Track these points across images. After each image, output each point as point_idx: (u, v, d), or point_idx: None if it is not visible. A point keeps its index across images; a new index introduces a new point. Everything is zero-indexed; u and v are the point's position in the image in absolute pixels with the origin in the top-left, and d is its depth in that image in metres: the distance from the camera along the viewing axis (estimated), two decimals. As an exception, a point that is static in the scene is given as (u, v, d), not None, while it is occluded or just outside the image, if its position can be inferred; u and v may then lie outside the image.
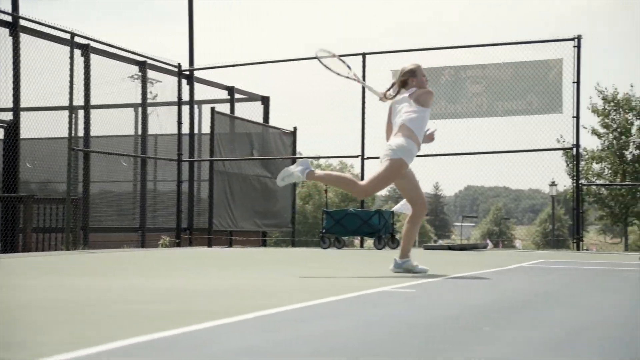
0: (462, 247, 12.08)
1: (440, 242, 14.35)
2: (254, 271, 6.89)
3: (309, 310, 3.67)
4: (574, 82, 12.35)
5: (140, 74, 15.68)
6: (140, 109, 15.93)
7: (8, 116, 12.71)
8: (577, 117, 12.36)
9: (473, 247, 12.27)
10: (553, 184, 33.31)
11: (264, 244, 17.34)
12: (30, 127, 13.53)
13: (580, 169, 25.00)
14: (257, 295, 4.45)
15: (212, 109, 15.45)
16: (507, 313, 3.74)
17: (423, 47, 13.54)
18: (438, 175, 19.67)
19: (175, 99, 15.85)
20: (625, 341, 2.84)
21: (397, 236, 12.24)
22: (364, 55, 13.78)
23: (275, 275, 6.27)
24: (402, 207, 12.85)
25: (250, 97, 18.39)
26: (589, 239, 72.01)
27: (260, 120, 17.94)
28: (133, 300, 4.14)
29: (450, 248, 11.99)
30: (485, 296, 4.58)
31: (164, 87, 16.56)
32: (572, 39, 12.36)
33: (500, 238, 68.66)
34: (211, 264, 8.38)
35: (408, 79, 6.35)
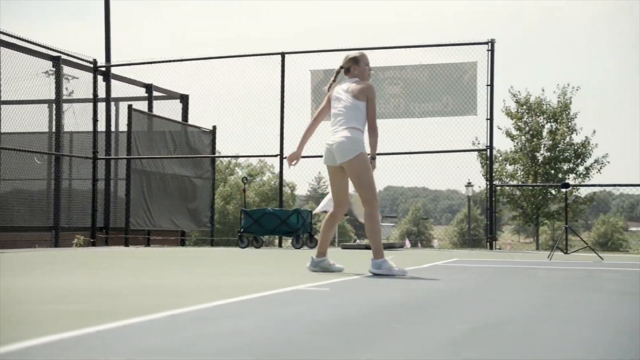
0: (379, 247, 12.17)
1: (359, 241, 14.48)
2: (168, 271, 6.80)
3: (218, 310, 3.63)
4: (487, 85, 12.63)
5: (54, 69, 15.28)
6: (54, 105, 15.52)
7: None
8: (491, 119, 12.65)
9: (390, 247, 12.40)
10: (469, 184, 34.06)
11: (182, 243, 17.15)
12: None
13: (494, 170, 25.68)
14: (167, 295, 4.38)
15: (130, 106, 15.21)
16: (417, 311, 3.78)
17: (342, 47, 13.62)
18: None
19: (92, 96, 15.53)
20: (529, 339, 2.91)
21: (316, 236, 12.27)
22: (282, 54, 13.78)
23: (189, 274, 6.20)
24: (326, 206, 12.93)
25: (169, 95, 18.16)
26: (504, 239, 73.84)
27: (179, 119, 17.73)
28: (38, 300, 4.02)
29: (367, 247, 12.05)
30: (398, 295, 4.62)
31: (80, 84, 16.20)
32: (486, 43, 12.64)
33: (419, 238, 69.74)
34: (125, 263, 8.23)
35: (350, 67, 6.27)
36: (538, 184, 25.85)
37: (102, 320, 3.07)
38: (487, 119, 12.68)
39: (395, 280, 5.71)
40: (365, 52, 6.45)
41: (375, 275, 5.92)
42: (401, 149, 13.26)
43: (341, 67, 6.34)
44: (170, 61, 15.82)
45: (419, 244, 58.14)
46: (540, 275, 6.38)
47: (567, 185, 9.62)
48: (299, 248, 12.14)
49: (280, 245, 14.01)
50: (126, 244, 14.76)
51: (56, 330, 2.80)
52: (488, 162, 13.04)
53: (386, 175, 16.70)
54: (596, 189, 34.32)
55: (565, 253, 9.45)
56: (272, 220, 12.26)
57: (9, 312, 3.49)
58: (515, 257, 10.18)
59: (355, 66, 6.25)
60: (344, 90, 6.19)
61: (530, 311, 3.84)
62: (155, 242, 15.87)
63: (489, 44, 12.59)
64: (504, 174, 27.20)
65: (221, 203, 49.16)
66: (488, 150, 12.85)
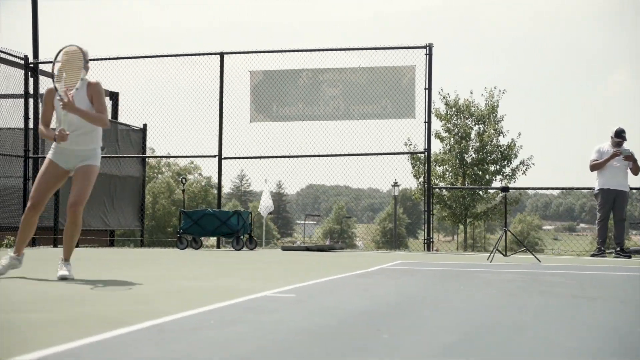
0: (319, 248, 12.27)
1: (298, 242, 14.51)
2: (118, 274, 6.70)
3: (198, 318, 3.63)
4: (425, 89, 12.86)
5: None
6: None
7: None
8: (429, 122, 12.87)
9: (330, 248, 12.50)
10: (395, 184, 34.53)
11: (111, 243, 16.87)
12: None
13: (424, 171, 26.13)
14: (137, 302, 4.34)
15: (59, 103, 14.84)
16: (392, 319, 3.85)
17: (282, 48, 13.66)
18: (281, 174, 19.93)
19: (17, 92, 15.11)
20: (518, 343, 3.01)
21: (255, 237, 12.30)
22: (222, 54, 13.71)
23: (146, 278, 6.12)
24: (267, 208, 12.96)
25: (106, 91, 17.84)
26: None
27: (109, 116, 17.43)
28: (5, 308, 3.93)
29: (308, 249, 12.15)
30: (363, 301, 4.69)
31: (4, 79, 15.72)
32: (424, 47, 12.86)
33: (341, 236, 70.27)
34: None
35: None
36: (478, 186, 26.45)
37: (86, 332, 3.04)
38: (424, 122, 12.90)
39: (353, 285, 5.78)
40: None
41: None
42: (336, 150, 13.38)
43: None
44: (100, 59, 15.52)
45: (340, 242, 58.59)
46: (489, 279, 6.56)
47: (506, 189, 9.89)
48: (239, 249, 12.11)
49: (218, 246, 13.95)
50: (55, 244, 14.43)
51: (45, 344, 2.75)
52: (425, 165, 13.26)
53: (308, 174, 16.80)
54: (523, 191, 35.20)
55: (505, 255, 9.71)
56: (212, 221, 12.20)
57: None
58: (453, 259, 10.39)
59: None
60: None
61: (500, 317, 3.96)
62: (84, 242, 15.56)
63: (427, 48, 12.81)
64: (434, 174, 27.71)
65: (150, 200, 48.52)
66: (426, 153, 13.06)
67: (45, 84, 16.32)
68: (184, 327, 3.34)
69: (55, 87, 5.90)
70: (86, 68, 5.95)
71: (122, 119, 17.45)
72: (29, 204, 6.02)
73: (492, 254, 9.46)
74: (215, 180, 57.54)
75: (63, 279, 5.78)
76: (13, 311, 3.85)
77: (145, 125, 17.20)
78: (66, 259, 6.00)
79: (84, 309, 4.01)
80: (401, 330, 3.34)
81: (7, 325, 3.34)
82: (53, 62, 5.96)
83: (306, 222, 62.66)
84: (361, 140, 13.24)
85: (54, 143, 5.97)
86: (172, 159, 51.44)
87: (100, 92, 6.05)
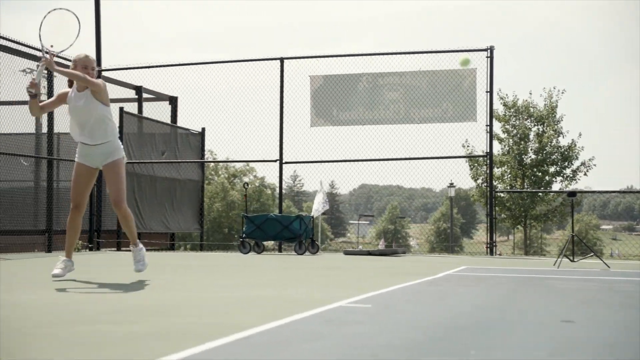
0: (382, 253, 12.25)
1: (360, 247, 14.44)
2: (190, 282, 6.78)
3: (284, 331, 3.65)
4: (487, 92, 12.75)
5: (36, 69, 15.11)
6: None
7: None
8: (491, 126, 12.77)
9: (393, 253, 12.47)
10: (451, 185, 34.25)
11: (172, 247, 17.10)
12: None
13: (483, 173, 25.89)
14: (217, 313, 4.37)
15: (121, 109, 15.12)
16: (475, 332, 3.81)
17: (341, 53, 13.69)
18: (334, 174, 19.96)
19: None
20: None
21: (317, 241, 12.34)
22: (282, 60, 13.78)
23: (214, 287, 6.19)
24: (322, 207, 12.98)
25: (158, 96, 18.09)
26: (478, 237, 74.35)
27: (168, 121, 17.68)
28: (91, 319, 4.00)
29: (370, 253, 12.14)
30: (440, 312, 4.66)
31: (64, 84, 16.04)
32: (486, 50, 12.74)
33: (395, 236, 70.05)
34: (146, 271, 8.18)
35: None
36: (543, 190, 26.10)
37: (174, 346, 3.08)
38: (486, 125, 12.80)
39: (428, 295, 5.76)
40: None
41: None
42: (392, 152, 13.36)
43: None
44: (159, 66, 15.76)
45: (394, 243, 58.37)
46: (563, 288, 6.46)
47: (573, 194, 9.73)
48: (301, 254, 12.16)
49: (280, 250, 14.03)
50: (118, 248, 14.67)
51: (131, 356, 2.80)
52: (488, 169, 13.14)
53: (361, 173, 16.83)
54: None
55: (572, 261, 9.56)
56: (275, 225, 12.28)
57: (68, 331, 3.47)
58: (518, 264, 10.27)
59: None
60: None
61: (589, 332, 3.90)
62: (146, 245, 15.81)
63: (488, 50, 12.69)
64: (492, 176, 27.42)
65: (206, 202, 49.05)
66: (487, 157, 12.95)
67: (111, 91, 16.61)
68: (271, 340, 3.37)
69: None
70: (90, 74, 6.26)
71: (181, 122, 17.68)
72: (71, 207, 6.42)
73: (559, 260, 9.32)
74: (268, 180, 57.64)
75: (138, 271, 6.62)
76: (98, 322, 3.93)
77: (203, 129, 17.39)
78: (134, 243, 6.65)
79: (167, 320, 4.07)
80: (488, 347, 3.31)
81: (94, 338, 3.40)
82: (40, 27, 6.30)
83: (360, 222, 62.67)
84: (420, 142, 13.19)
85: (78, 148, 6.39)
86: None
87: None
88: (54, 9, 6.54)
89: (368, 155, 13.51)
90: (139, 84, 17.20)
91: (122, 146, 6.49)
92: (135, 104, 17.39)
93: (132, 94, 17.58)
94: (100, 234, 15.22)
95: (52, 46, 6.29)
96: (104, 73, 15.93)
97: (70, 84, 6.37)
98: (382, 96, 13.38)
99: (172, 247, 17.07)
